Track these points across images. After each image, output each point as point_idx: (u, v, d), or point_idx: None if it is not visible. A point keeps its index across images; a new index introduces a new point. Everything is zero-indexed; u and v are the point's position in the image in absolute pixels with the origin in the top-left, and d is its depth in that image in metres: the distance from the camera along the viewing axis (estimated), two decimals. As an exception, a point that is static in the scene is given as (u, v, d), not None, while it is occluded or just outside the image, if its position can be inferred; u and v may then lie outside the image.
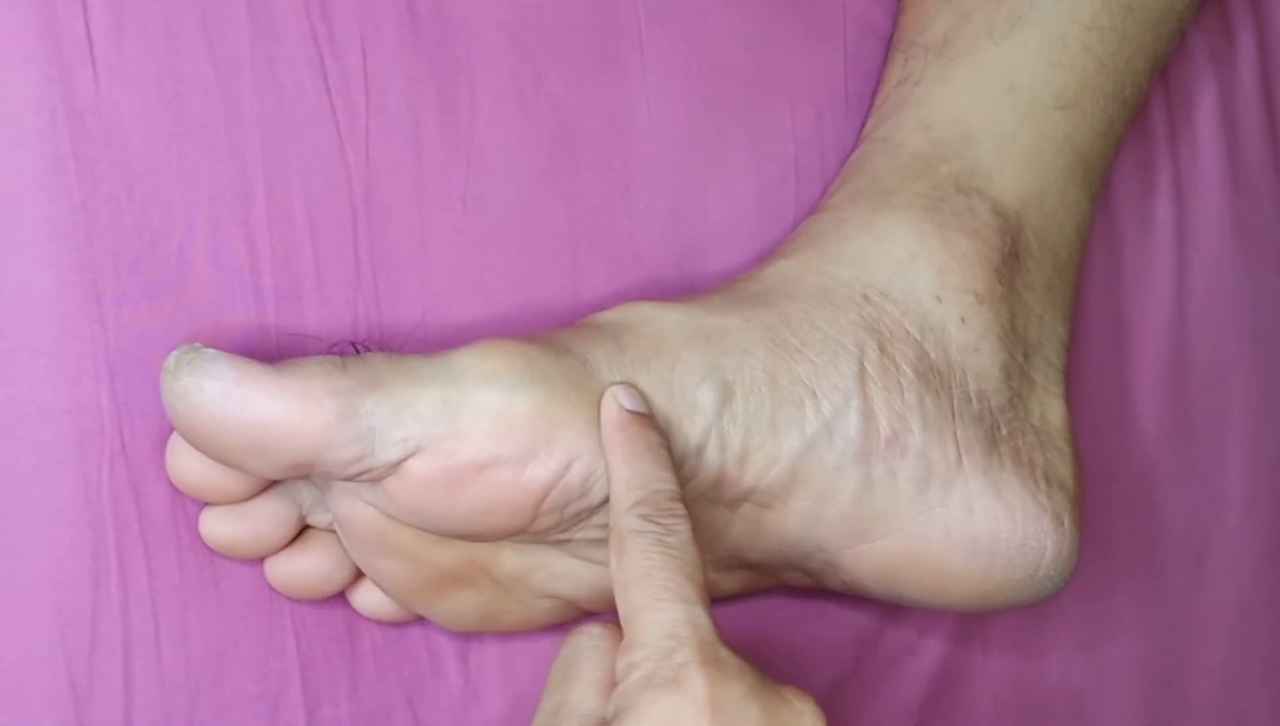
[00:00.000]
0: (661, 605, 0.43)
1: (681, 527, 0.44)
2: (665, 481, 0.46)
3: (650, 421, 0.47)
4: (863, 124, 0.56)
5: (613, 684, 0.43)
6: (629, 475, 0.46)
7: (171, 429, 0.47)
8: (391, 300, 0.51)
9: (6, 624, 0.47)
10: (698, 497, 0.49)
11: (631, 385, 0.48)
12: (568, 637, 0.46)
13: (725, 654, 0.42)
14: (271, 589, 0.50)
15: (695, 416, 0.48)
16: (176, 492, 0.48)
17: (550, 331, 0.49)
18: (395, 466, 0.45)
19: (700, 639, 0.42)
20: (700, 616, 0.42)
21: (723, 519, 0.49)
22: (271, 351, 0.49)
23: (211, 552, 0.49)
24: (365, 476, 0.46)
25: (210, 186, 0.49)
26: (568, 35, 0.54)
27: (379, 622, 0.51)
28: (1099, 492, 0.60)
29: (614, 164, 0.54)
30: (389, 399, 0.45)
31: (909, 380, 0.50)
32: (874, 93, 0.57)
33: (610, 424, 0.47)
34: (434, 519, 0.47)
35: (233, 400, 0.44)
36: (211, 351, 0.45)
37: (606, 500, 0.47)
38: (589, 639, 0.45)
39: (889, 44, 0.57)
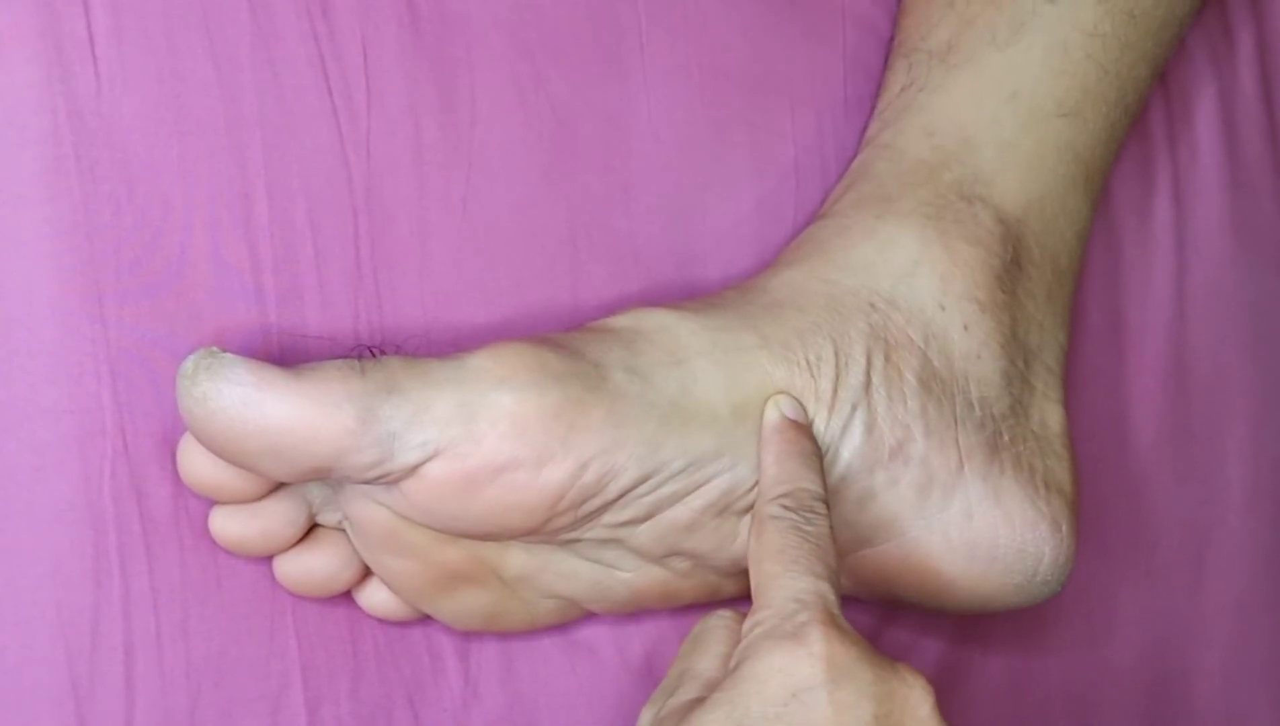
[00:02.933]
0: (791, 574, 0.44)
1: (821, 523, 0.46)
2: (812, 483, 0.47)
3: (808, 431, 0.49)
4: (862, 126, 0.56)
5: None
6: (778, 472, 0.47)
7: (174, 428, 0.47)
8: (392, 300, 0.51)
9: (8, 623, 0.47)
10: (708, 505, 0.49)
11: (793, 397, 0.49)
12: (701, 619, 0.48)
13: (846, 624, 0.43)
14: (273, 588, 0.50)
15: (714, 426, 0.48)
16: (178, 492, 0.48)
17: (563, 334, 0.49)
18: (413, 470, 0.45)
19: (825, 606, 0.43)
20: (827, 590, 0.44)
21: (729, 526, 0.49)
22: (274, 352, 0.49)
23: (213, 552, 0.49)
24: (383, 480, 0.46)
25: (211, 186, 0.49)
26: (568, 35, 0.54)
27: (384, 621, 0.51)
28: (1099, 493, 0.60)
29: (614, 164, 0.54)
30: (407, 403, 0.45)
31: (912, 388, 0.50)
32: (874, 95, 0.57)
33: (769, 427, 0.48)
34: (450, 520, 0.47)
35: (252, 405, 0.44)
36: (229, 356, 0.45)
37: (621, 496, 0.47)
38: (719, 619, 0.47)
39: (889, 46, 0.57)
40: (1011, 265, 0.53)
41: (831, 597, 0.44)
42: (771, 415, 0.49)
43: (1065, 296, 0.55)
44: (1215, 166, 0.62)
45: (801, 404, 0.49)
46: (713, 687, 0.44)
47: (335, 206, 0.50)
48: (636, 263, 0.54)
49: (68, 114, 0.47)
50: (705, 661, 0.46)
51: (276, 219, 0.49)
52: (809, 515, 0.46)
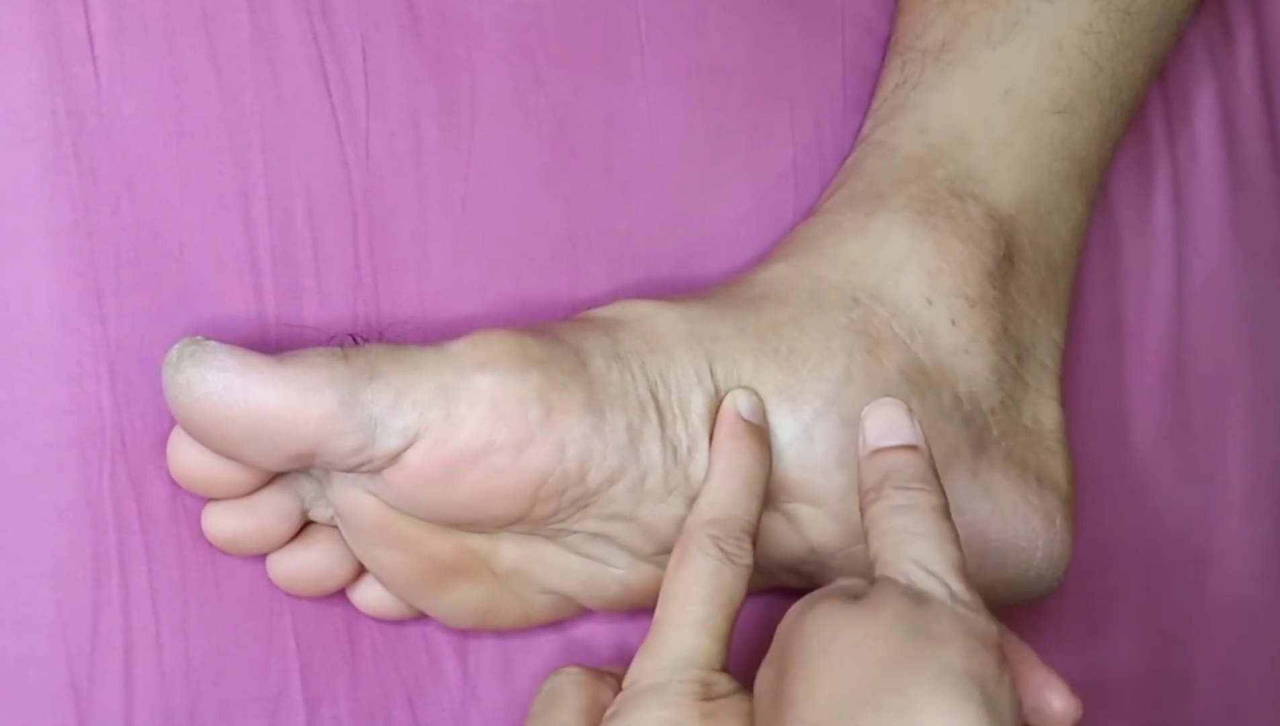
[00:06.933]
0: (690, 631, 0.45)
1: (743, 559, 0.47)
2: (747, 511, 0.48)
3: (760, 434, 0.49)
4: (861, 127, 0.56)
5: (595, 711, 0.46)
6: (718, 487, 0.48)
7: (172, 429, 0.47)
8: (391, 300, 0.51)
9: (7, 624, 0.47)
10: (690, 500, 0.49)
11: (755, 393, 0.49)
12: (548, 676, 0.48)
13: (726, 685, 0.45)
14: (272, 588, 0.50)
15: (689, 417, 0.48)
16: (177, 492, 0.48)
17: (544, 323, 0.49)
18: (395, 457, 0.46)
19: (708, 670, 0.45)
20: (718, 652, 0.45)
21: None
22: (271, 350, 0.49)
23: (212, 552, 0.49)
24: (366, 467, 0.46)
25: (211, 186, 0.49)
26: (568, 36, 0.54)
27: (379, 620, 0.51)
28: (1099, 493, 0.60)
29: (614, 164, 0.54)
30: (389, 388, 0.45)
31: (893, 382, 0.50)
32: (872, 96, 0.57)
33: (723, 428, 0.49)
34: (434, 507, 0.47)
35: (236, 390, 0.44)
36: (213, 343, 0.45)
37: (604, 487, 0.47)
38: (569, 676, 0.48)
39: (886, 47, 0.57)
40: (1004, 261, 0.53)
41: (718, 658, 0.45)
42: (728, 412, 0.49)
43: (1060, 293, 0.55)
44: (1215, 166, 0.62)
45: (761, 400, 0.49)
46: None
47: (334, 207, 0.50)
48: (636, 263, 0.54)
49: (68, 114, 0.47)
50: (564, 716, 0.46)
51: (276, 219, 0.49)
52: (733, 553, 0.47)
